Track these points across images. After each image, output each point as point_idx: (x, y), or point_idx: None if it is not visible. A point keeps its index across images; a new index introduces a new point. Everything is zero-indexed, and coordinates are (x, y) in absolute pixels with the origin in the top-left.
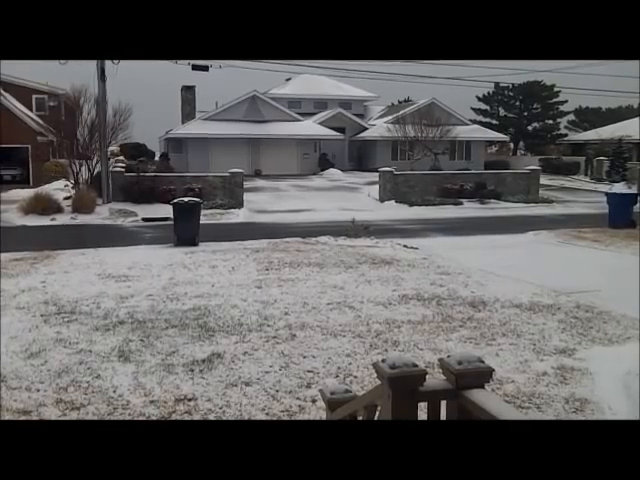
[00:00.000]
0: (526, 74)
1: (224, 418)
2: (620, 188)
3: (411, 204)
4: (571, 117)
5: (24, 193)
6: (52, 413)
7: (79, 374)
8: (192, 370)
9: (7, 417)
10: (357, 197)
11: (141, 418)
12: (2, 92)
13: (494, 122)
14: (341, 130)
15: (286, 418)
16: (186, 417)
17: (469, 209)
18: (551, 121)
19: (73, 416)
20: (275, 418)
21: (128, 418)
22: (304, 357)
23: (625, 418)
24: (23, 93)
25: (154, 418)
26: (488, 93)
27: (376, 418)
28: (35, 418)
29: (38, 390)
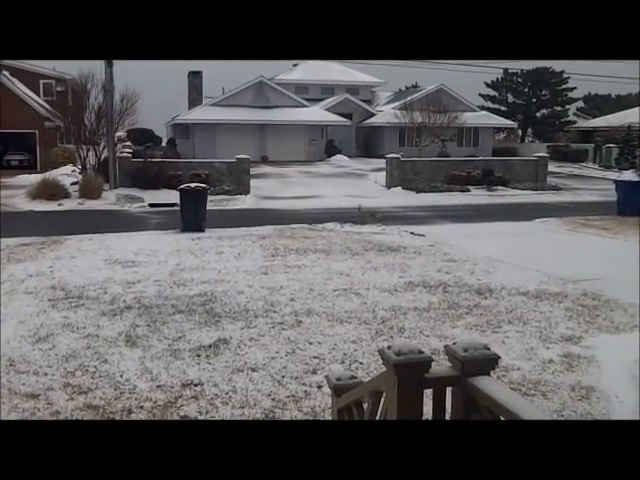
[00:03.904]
0: (535, 60)
1: (230, 403)
2: (629, 176)
3: (418, 191)
4: (580, 104)
5: (32, 178)
6: (60, 397)
7: (86, 359)
8: (198, 355)
9: (15, 401)
10: (364, 184)
11: (147, 403)
12: (9, 77)
13: (502, 108)
14: (348, 116)
15: (292, 403)
16: (192, 402)
17: (476, 196)
18: (560, 108)
19: (80, 400)
20: (281, 404)
21: (135, 403)
22: (310, 343)
23: (631, 406)
24: (30, 78)
25: (161, 403)
26: (497, 79)
27: (381, 405)
28: (42, 402)
29: (46, 374)
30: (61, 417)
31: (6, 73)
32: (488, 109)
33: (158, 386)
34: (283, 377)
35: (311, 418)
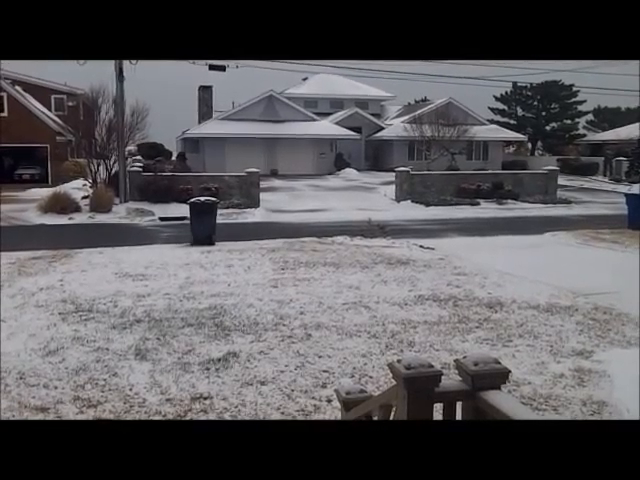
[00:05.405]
0: (544, 74)
1: (239, 417)
2: (639, 189)
3: (427, 204)
4: (590, 117)
5: (43, 192)
6: (69, 410)
7: (96, 372)
8: (208, 369)
9: (26, 414)
10: (373, 197)
11: (157, 416)
12: (22, 92)
13: (512, 122)
14: (357, 130)
15: (301, 417)
16: (202, 415)
17: (486, 209)
18: (569, 121)
19: (90, 414)
20: (290, 417)
21: (144, 416)
22: (319, 357)
23: None
24: (42, 93)
25: (170, 417)
26: (506, 93)
27: (391, 419)
28: (52, 416)
29: (56, 387)
30: None
31: (18, 88)
32: (498, 122)
33: (167, 399)
34: (293, 391)
35: None
